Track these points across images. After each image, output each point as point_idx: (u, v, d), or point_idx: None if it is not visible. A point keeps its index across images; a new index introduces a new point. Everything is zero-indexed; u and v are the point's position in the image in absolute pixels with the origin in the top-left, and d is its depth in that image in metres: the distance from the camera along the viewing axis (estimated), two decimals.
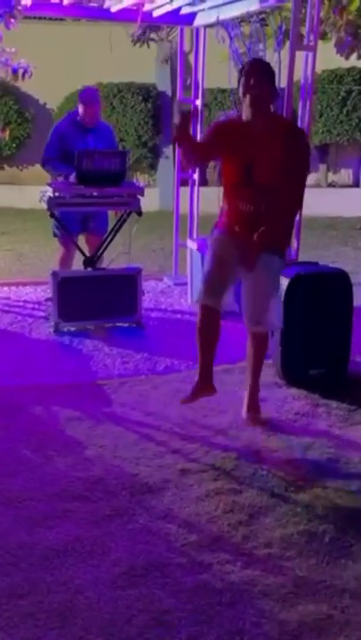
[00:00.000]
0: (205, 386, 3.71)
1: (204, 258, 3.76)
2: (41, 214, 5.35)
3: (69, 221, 5.47)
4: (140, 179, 12.92)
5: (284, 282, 4.22)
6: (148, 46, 9.44)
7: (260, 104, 3.44)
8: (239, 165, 3.48)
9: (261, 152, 3.42)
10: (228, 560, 2.67)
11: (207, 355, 3.68)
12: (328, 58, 8.50)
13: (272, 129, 3.47)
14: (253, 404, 3.82)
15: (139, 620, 2.35)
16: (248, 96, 3.41)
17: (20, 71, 5.52)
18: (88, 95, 5.56)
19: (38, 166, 5.86)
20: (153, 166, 13.00)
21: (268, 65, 3.59)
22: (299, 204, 3.64)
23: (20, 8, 5.12)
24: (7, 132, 6.02)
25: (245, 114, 3.48)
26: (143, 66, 12.20)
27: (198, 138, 3.83)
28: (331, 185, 12.61)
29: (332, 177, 12.77)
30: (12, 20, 5.16)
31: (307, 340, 4.26)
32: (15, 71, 5.51)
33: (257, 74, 3.43)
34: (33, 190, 5.51)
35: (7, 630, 2.31)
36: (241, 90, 3.45)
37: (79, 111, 5.53)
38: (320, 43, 6.74)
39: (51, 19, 10.01)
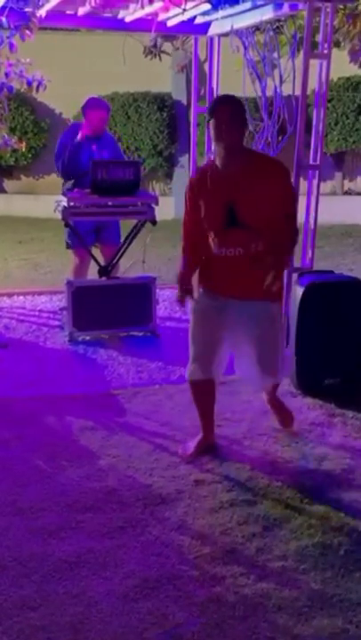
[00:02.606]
0: (209, 441, 3.59)
1: (190, 324, 3.51)
2: (57, 224, 5.38)
3: (83, 232, 5.49)
4: (156, 188, 12.94)
5: (299, 290, 4.20)
6: (160, 59, 9.44)
7: (233, 148, 3.25)
8: (220, 208, 3.25)
9: (243, 192, 3.22)
10: (242, 573, 2.64)
11: (208, 417, 3.59)
12: (344, 65, 8.50)
13: (250, 168, 3.27)
14: (286, 415, 3.82)
15: (151, 633, 2.33)
16: (222, 143, 3.23)
17: (35, 84, 5.55)
18: (92, 102, 5.59)
19: (54, 176, 5.89)
20: (168, 175, 13.02)
21: (235, 102, 3.28)
22: (295, 238, 3.42)
23: (34, 20, 5.15)
24: (24, 144, 6.03)
25: (219, 157, 3.29)
26: (159, 75, 12.24)
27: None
28: (347, 193, 12.56)
29: (348, 185, 12.72)
30: (28, 32, 5.20)
31: (322, 350, 4.22)
32: (30, 84, 5.53)
33: (228, 117, 3.20)
34: (49, 200, 5.53)
35: None
36: (213, 133, 3.23)
37: (85, 122, 5.53)
38: (335, 50, 6.74)
39: (67, 29, 10.07)
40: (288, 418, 3.80)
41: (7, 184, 13.33)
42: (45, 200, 5.86)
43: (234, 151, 3.26)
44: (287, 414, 3.81)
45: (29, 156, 12.46)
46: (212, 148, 3.38)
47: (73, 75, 11.11)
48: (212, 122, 3.22)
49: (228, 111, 3.23)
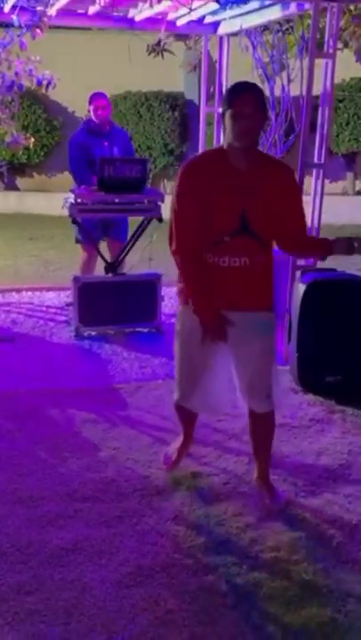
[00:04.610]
0: (190, 442, 3.43)
1: (175, 345, 3.16)
2: (68, 221, 5.44)
3: (91, 228, 5.56)
4: (167, 186, 12.99)
5: (302, 288, 4.24)
6: (163, 57, 9.49)
7: (252, 145, 2.85)
8: (233, 212, 2.83)
9: (254, 198, 2.84)
10: (235, 563, 2.69)
11: (190, 424, 3.42)
12: (355, 66, 8.49)
13: (261, 170, 2.88)
14: (272, 488, 3.17)
15: (142, 619, 2.38)
16: (241, 139, 2.77)
17: (45, 82, 5.61)
18: (93, 93, 5.73)
19: (67, 173, 5.95)
20: None
21: (258, 91, 2.83)
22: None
23: (45, 19, 5.21)
24: (32, 139, 6.09)
25: (233, 153, 2.84)
26: (171, 74, 12.29)
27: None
28: (358, 193, 12.54)
29: (359, 185, 12.70)
30: (38, 31, 5.25)
31: (323, 347, 4.26)
32: (40, 83, 5.59)
33: (251, 109, 2.74)
34: (61, 197, 5.60)
35: (14, 625, 2.36)
36: (229, 126, 2.76)
37: (91, 113, 5.68)
38: (347, 51, 6.76)
39: (80, 28, 10.13)
40: (272, 488, 3.16)
41: (20, 182, 13.42)
42: (57, 198, 5.90)
43: (251, 149, 2.85)
44: (271, 493, 3.13)
45: (42, 153, 12.55)
46: (223, 140, 2.89)
47: (85, 73, 11.17)
48: (229, 112, 2.75)
49: (250, 102, 2.75)
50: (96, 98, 5.68)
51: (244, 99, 2.75)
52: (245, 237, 2.86)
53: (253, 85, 2.84)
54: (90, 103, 5.69)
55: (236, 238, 2.85)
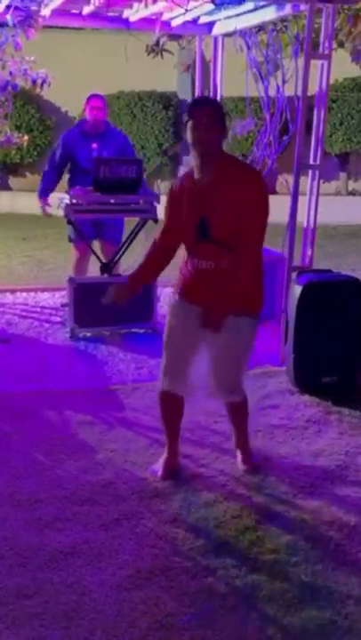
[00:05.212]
0: (175, 463, 3.41)
1: (164, 329, 3.36)
2: (61, 221, 5.43)
3: (84, 227, 5.55)
4: (161, 187, 12.99)
5: (298, 289, 4.25)
6: (162, 57, 9.48)
7: (209, 154, 3.04)
8: (194, 220, 3.08)
9: (214, 205, 3.04)
10: (234, 565, 2.69)
11: (173, 436, 3.43)
12: (349, 66, 8.51)
13: (221, 180, 3.05)
14: (248, 453, 3.45)
15: (142, 622, 2.38)
16: (197, 148, 3.02)
17: (39, 81, 5.60)
18: (90, 94, 5.77)
19: None
20: (173, 174, 13.05)
21: (214, 104, 3.16)
22: (258, 258, 3.14)
23: (40, 19, 5.18)
24: (26, 138, 6.09)
25: (195, 164, 3.10)
26: (164, 74, 12.26)
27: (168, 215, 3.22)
28: (351, 193, 12.57)
29: (352, 185, 12.73)
30: (33, 31, 5.23)
31: (319, 348, 4.26)
32: (34, 81, 5.58)
33: (205, 120, 3.00)
34: (54, 197, 5.60)
35: (13, 629, 2.35)
36: (189, 136, 3.03)
37: (86, 113, 5.72)
38: (340, 51, 6.77)
39: (73, 28, 10.10)
40: (248, 456, 3.44)
41: (12, 181, 13.39)
42: (50, 198, 5.90)
43: (209, 158, 3.05)
44: (249, 452, 3.46)
45: (35, 153, 12.52)
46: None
47: (79, 73, 11.16)
48: (189, 124, 3.02)
49: (207, 114, 3.02)
50: (92, 98, 5.70)
51: (201, 110, 3.04)
52: (208, 244, 3.09)
53: (212, 100, 3.27)
54: (86, 103, 5.70)
55: (200, 244, 3.11)
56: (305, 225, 4.82)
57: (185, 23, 5.82)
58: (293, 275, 4.51)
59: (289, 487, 3.25)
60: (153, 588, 2.55)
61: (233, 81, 6.26)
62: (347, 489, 3.25)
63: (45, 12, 5.20)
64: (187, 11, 4.99)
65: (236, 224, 3.03)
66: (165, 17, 5.69)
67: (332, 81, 11.07)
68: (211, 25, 6.00)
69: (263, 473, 3.36)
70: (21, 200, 12.62)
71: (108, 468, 3.40)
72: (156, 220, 5.26)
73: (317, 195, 4.77)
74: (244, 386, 3.38)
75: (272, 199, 3.13)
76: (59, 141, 5.84)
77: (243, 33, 5.61)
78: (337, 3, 4.63)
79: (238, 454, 3.46)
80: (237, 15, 5.39)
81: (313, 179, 4.78)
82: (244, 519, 2.99)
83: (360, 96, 11.79)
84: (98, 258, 5.59)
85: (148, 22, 5.70)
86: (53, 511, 3.02)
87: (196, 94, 6.96)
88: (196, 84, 6.61)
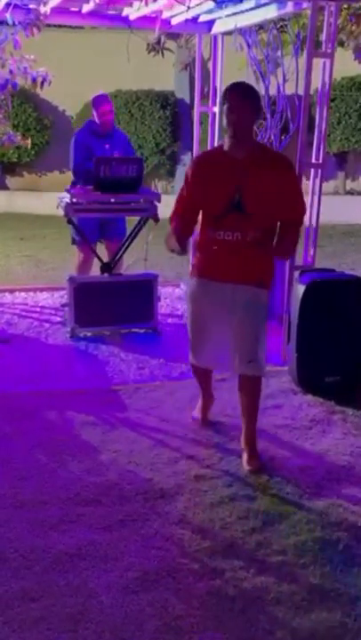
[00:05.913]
0: (209, 402, 3.89)
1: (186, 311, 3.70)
2: (60, 221, 5.40)
3: (88, 229, 5.52)
4: (159, 186, 12.96)
5: (300, 288, 4.22)
6: (163, 55, 9.47)
7: (243, 135, 3.29)
8: (227, 191, 3.28)
9: (251, 179, 3.26)
10: (242, 567, 2.66)
11: (206, 389, 3.86)
12: (348, 65, 8.49)
13: (257, 158, 3.32)
14: (254, 453, 3.46)
15: (150, 625, 2.35)
16: (231, 127, 3.26)
17: (39, 79, 5.57)
18: (98, 97, 5.74)
19: (57, 173, 5.96)
20: (171, 173, 13.04)
21: (249, 89, 3.36)
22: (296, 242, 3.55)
23: (42, 18, 5.15)
24: (29, 140, 6.07)
25: (228, 142, 3.32)
26: (162, 73, 12.26)
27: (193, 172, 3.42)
28: (349, 192, 12.56)
29: (350, 184, 12.72)
30: (35, 30, 5.20)
31: (322, 347, 4.24)
32: (34, 80, 5.55)
33: (238, 102, 3.25)
34: (52, 197, 5.57)
35: (19, 633, 2.31)
36: (224, 117, 3.28)
37: (95, 116, 5.66)
38: (340, 50, 6.74)
39: (70, 26, 10.08)
40: (255, 455, 3.45)
41: (10, 181, 13.35)
42: (48, 197, 5.90)
43: (243, 138, 3.29)
44: (255, 451, 3.47)
45: (32, 152, 12.48)
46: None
47: (76, 72, 11.12)
48: (224, 107, 3.27)
49: (240, 96, 3.27)
50: (101, 102, 5.64)
51: (234, 94, 3.29)
52: (238, 215, 3.27)
53: (246, 84, 3.40)
54: (94, 107, 5.66)
55: (230, 215, 3.28)
56: (307, 224, 4.79)
57: (185, 22, 5.78)
58: (296, 274, 4.49)
59: (295, 488, 3.23)
60: (160, 590, 2.52)
61: (232, 79, 6.20)
62: (353, 489, 3.22)
63: (45, 9, 5.16)
64: (188, 8, 4.95)
65: (270, 197, 3.26)
66: (165, 15, 5.66)
67: None
68: (210, 23, 5.97)
69: (268, 473, 3.34)
70: (19, 200, 12.60)
71: (111, 468, 3.37)
72: (156, 220, 5.24)
73: (320, 193, 4.74)
74: (260, 364, 3.46)
75: None
76: (73, 144, 5.70)
77: (243, 31, 5.59)
78: (340, 1, 4.61)
79: (244, 454, 3.46)
80: (238, 13, 5.36)
81: (315, 177, 4.76)
82: (251, 520, 2.96)
83: (358, 95, 11.78)
84: (99, 259, 5.55)
85: (148, 20, 5.66)
86: (57, 513, 2.99)
87: (195, 93, 6.92)
88: (196, 82, 6.57)
